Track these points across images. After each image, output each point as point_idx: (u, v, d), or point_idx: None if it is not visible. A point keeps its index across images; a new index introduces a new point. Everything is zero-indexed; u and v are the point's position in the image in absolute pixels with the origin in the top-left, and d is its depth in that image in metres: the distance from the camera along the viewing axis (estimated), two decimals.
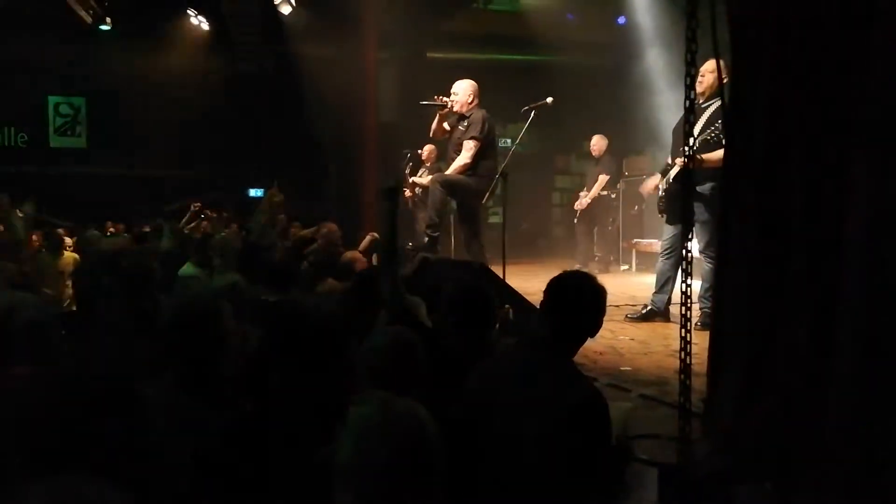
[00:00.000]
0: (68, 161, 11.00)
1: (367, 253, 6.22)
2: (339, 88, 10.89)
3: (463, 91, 5.17)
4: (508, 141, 9.22)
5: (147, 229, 6.58)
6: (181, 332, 1.83)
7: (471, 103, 5.16)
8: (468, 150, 5.03)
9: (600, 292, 2.06)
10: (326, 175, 11.82)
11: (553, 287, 2.05)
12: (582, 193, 8.25)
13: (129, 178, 11.16)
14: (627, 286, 6.55)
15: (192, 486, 1.56)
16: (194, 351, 1.81)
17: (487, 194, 5.13)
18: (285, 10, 8.49)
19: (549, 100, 5.06)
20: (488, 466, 1.97)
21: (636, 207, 8.41)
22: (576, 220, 8.28)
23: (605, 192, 8.05)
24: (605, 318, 2.07)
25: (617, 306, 5.05)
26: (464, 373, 2.13)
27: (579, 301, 2.03)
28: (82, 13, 7.89)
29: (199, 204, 5.62)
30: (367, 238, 6.58)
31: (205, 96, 9.98)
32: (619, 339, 4.23)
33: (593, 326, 2.06)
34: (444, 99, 5.17)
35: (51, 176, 10.63)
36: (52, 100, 11.15)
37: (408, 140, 8.56)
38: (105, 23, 8.24)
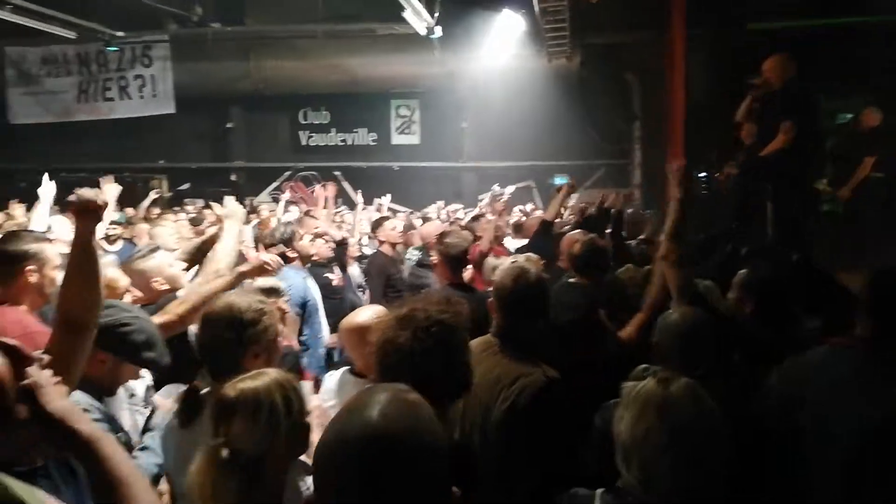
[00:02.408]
0: (406, 156, 12.81)
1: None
2: (648, 73, 10.62)
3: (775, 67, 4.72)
4: (848, 116, 8.02)
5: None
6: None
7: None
8: (784, 132, 4.57)
9: None
10: (630, 161, 11.71)
11: (874, 283, 1.86)
12: None
13: (454, 170, 12.56)
14: None
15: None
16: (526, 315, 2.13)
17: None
18: None
19: None
20: (793, 467, 1.88)
21: None
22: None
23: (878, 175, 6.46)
24: None
25: None
26: (766, 365, 2.05)
27: None
28: (417, 26, 9.07)
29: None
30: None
31: (519, 91, 10.70)
32: None
33: None
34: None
35: (393, 170, 12.51)
36: (394, 103, 13.08)
37: (721, 123, 7.98)
38: (434, 32, 9.32)
